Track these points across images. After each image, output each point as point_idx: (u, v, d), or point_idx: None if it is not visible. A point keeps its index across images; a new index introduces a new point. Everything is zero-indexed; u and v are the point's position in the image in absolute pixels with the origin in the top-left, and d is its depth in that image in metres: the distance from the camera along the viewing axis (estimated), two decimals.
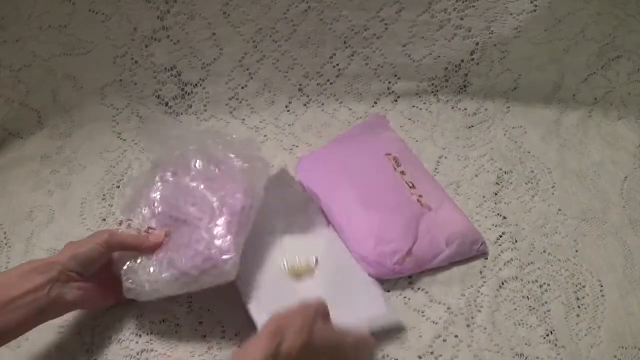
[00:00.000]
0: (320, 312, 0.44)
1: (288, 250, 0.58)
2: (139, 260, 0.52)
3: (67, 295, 0.48)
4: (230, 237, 0.51)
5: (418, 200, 0.62)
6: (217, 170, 0.57)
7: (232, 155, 0.57)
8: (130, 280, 0.52)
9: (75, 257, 0.49)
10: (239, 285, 0.53)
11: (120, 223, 0.55)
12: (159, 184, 0.57)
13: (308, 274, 0.56)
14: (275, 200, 0.59)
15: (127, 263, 0.52)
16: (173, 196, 0.56)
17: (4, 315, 0.44)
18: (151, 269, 0.51)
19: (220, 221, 0.52)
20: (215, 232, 0.51)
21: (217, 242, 0.50)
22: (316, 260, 0.57)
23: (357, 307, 0.54)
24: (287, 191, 0.64)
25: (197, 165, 0.57)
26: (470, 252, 0.61)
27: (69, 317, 0.54)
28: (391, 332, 0.55)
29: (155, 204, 0.56)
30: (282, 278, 0.55)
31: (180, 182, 0.57)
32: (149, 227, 0.55)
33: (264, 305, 0.51)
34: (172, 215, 0.55)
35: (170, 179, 0.57)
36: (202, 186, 0.55)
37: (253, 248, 0.55)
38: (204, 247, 0.50)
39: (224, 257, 0.50)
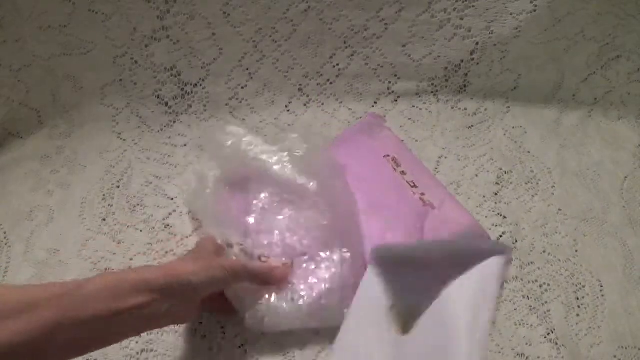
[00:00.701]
0: None
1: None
2: (263, 295, 0.51)
3: (171, 311, 0.44)
4: (355, 276, 0.52)
5: (421, 199, 0.62)
6: (323, 202, 0.57)
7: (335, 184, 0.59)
8: (252, 313, 0.51)
9: (196, 277, 0.45)
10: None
11: (230, 245, 0.52)
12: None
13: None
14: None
15: (250, 296, 0.51)
16: (286, 228, 0.56)
17: (104, 328, 0.40)
18: (275, 301, 0.51)
19: (341, 257, 0.54)
20: (339, 268, 0.53)
21: (344, 278, 0.52)
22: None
23: None
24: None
25: (305, 195, 0.57)
26: None
27: None
28: None
29: (265, 233, 0.56)
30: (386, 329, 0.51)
31: (291, 213, 0.57)
32: (261, 256, 0.54)
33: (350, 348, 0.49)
34: (286, 248, 0.55)
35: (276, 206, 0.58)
36: (313, 219, 0.56)
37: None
38: (332, 282, 0.52)
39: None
